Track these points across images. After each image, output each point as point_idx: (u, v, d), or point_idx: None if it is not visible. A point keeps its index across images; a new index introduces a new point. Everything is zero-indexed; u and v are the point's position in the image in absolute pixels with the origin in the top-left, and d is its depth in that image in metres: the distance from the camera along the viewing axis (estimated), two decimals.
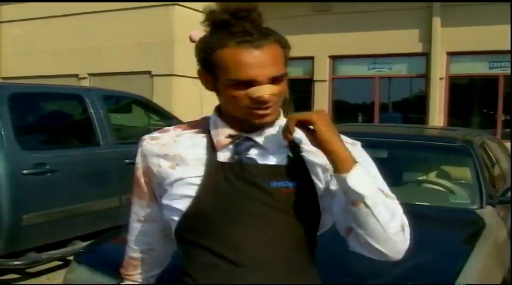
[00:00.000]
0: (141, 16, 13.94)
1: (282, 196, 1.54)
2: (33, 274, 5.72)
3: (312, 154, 1.58)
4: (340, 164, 1.45)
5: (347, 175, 1.44)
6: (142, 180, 1.71)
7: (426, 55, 13.38)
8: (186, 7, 13.83)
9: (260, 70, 1.47)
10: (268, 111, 1.52)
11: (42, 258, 5.38)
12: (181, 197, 1.57)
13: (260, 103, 1.49)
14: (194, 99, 13.15)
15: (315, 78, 15.60)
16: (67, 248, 5.60)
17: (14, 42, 16.69)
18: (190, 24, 13.87)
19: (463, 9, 12.81)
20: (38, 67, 15.33)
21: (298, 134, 1.57)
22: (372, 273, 2.61)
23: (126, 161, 6.26)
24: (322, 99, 15.36)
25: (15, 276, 5.67)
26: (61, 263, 5.77)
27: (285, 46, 1.55)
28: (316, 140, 1.47)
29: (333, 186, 1.57)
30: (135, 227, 1.78)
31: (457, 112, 13.73)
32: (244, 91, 1.49)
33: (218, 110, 1.66)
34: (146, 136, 1.70)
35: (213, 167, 1.56)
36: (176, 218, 1.58)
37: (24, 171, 5.19)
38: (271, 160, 1.58)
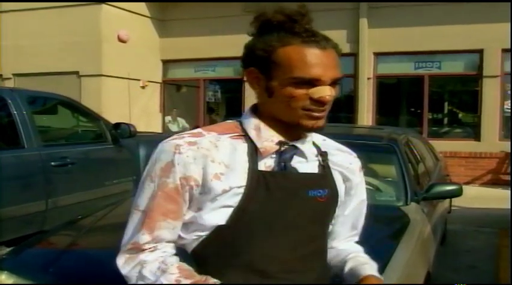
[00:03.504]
0: (67, 14, 13.56)
1: (317, 205, 1.54)
2: None
3: (336, 164, 1.64)
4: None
5: None
6: (179, 195, 1.47)
7: (354, 55, 13.61)
8: (114, 6, 13.58)
9: (324, 70, 1.45)
10: (323, 114, 1.49)
11: None
12: (222, 207, 1.46)
13: (320, 104, 1.46)
14: (123, 99, 12.95)
15: (245, 79, 15.61)
16: None
17: None
18: (118, 23, 13.64)
19: (389, 10, 13.09)
20: None
21: (326, 142, 1.65)
22: None
23: (53, 163, 6.11)
24: (252, 99, 15.38)
25: None
26: None
27: (338, 53, 1.52)
28: None
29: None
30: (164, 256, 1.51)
31: (385, 111, 14.04)
32: (305, 91, 1.45)
33: (254, 113, 1.61)
34: (180, 142, 1.48)
35: (255, 176, 1.48)
36: (203, 234, 1.48)
37: None
38: (309, 169, 1.56)
